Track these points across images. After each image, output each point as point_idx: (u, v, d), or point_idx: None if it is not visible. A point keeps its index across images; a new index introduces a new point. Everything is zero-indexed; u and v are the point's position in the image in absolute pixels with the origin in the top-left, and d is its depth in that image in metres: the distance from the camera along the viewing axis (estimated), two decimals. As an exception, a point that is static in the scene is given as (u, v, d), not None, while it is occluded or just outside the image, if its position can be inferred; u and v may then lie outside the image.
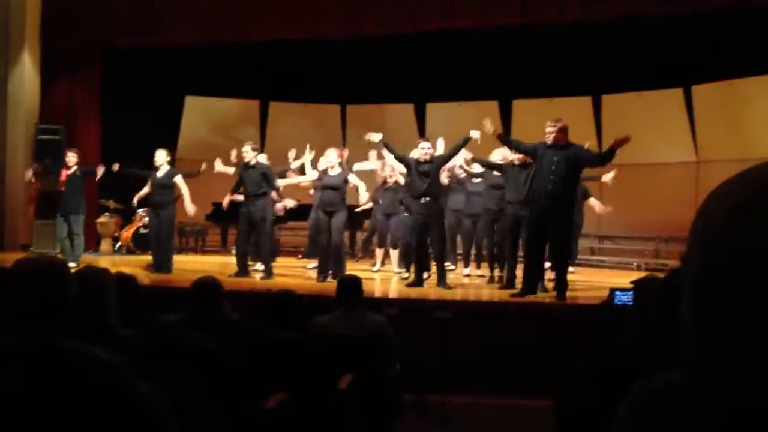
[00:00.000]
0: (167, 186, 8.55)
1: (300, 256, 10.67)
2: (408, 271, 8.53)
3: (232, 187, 8.45)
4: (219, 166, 8.60)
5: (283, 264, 9.63)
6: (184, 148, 12.87)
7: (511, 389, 5.69)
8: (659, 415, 0.77)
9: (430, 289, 7.42)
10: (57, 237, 9.19)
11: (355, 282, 4.42)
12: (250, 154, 8.12)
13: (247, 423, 2.77)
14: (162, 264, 8.50)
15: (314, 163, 9.09)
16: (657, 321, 2.18)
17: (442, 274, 7.49)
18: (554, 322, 6.12)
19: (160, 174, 8.56)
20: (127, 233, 11.01)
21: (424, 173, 7.41)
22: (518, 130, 11.91)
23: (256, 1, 10.44)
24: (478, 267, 9.08)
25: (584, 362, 2.19)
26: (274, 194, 8.24)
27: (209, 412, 2.28)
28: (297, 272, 9.13)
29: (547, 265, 7.48)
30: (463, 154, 8.12)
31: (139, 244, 10.78)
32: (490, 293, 7.65)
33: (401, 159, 7.72)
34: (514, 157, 7.58)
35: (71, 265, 8.22)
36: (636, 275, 3.92)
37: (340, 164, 8.14)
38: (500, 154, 8.28)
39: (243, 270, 8.16)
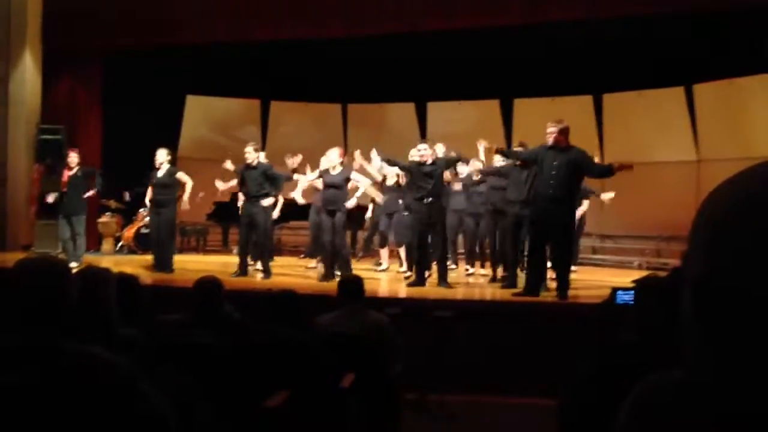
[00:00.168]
0: (167, 185, 8.55)
1: (302, 255, 10.68)
2: (409, 270, 8.53)
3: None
4: (229, 165, 8.55)
5: (283, 263, 9.63)
6: (185, 148, 12.89)
7: (512, 388, 5.70)
8: (661, 414, 0.77)
9: (431, 288, 7.42)
10: (59, 237, 9.19)
11: (357, 281, 4.42)
12: (252, 155, 8.12)
13: (248, 422, 2.77)
14: (164, 263, 8.51)
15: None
16: (658, 320, 2.19)
17: (443, 273, 7.50)
18: (556, 322, 6.12)
19: (160, 173, 8.57)
20: (129, 233, 11.02)
21: (428, 174, 7.43)
22: (519, 129, 11.93)
23: (259, 1, 10.44)
24: (482, 266, 9.09)
25: (586, 361, 2.19)
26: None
27: (211, 412, 2.28)
28: (298, 272, 9.13)
29: (549, 264, 7.48)
30: (475, 165, 8.32)
31: (140, 243, 10.79)
32: (492, 292, 7.65)
33: (404, 167, 7.76)
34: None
35: (73, 265, 8.26)
36: (637, 274, 3.92)
37: (342, 163, 8.13)
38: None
39: (244, 269, 8.18)
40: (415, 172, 7.53)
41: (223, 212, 10.51)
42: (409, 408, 5.12)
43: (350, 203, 7.96)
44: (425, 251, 7.68)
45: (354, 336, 3.83)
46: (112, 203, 11.20)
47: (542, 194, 6.64)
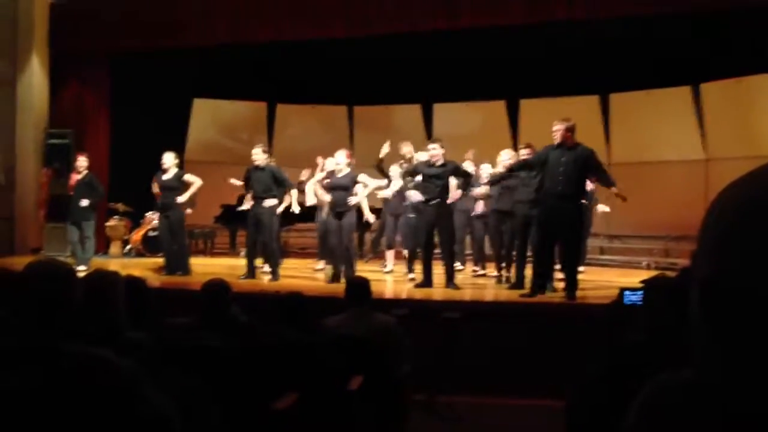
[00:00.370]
0: (174, 188, 8.55)
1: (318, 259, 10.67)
2: (410, 272, 8.52)
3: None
4: (234, 181, 8.57)
5: (291, 265, 9.64)
6: (192, 151, 12.92)
7: (520, 390, 5.68)
8: (669, 414, 0.77)
9: (438, 289, 7.41)
10: (68, 240, 9.21)
11: (364, 283, 4.42)
12: (260, 157, 8.14)
13: (256, 424, 2.77)
14: (178, 266, 8.52)
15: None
16: (667, 320, 2.18)
17: (450, 274, 7.49)
18: (564, 322, 6.10)
19: (167, 176, 8.58)
20: (137, 236, 11.06)
21: (436, 176, 7.42)
22: (526, 129, 11.91)
23: (263, 2, 10.46)
24: (498, 270, 9.05)
25: (594, 362, 2.18)
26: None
27: (219, 414, 2.28)
28: (306, 274, 9.14)
29: (557, 265, 7.46)
30: (488, 169, 8.37)
31: (148, 246, 10.83)
32: (499, 293, 7.63)
33: (411, 173, 7.72)
34: (525, 153, 7.58)
35: (81, 268, 8.31)
36: (645, 274, 3.90)
37: (349, 165, 8.13)
38: (508, 155, 8.30)
39: (252, 272, 8.19)
40: (423, 172, 7.52)
41: (231, 214, 10.54)
42: (417, 409, 5.11)
43: (354, 200, 7.93)
44: (432, 252, 7.67)
45: (361, 338, 3.83)
46: (120, 206, 11.24)
47: (551, 192, 6.64)
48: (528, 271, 7.33)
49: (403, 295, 7.36)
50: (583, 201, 7.31)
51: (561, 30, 10.15)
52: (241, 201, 9.46)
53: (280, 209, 8.31)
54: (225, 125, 13.60)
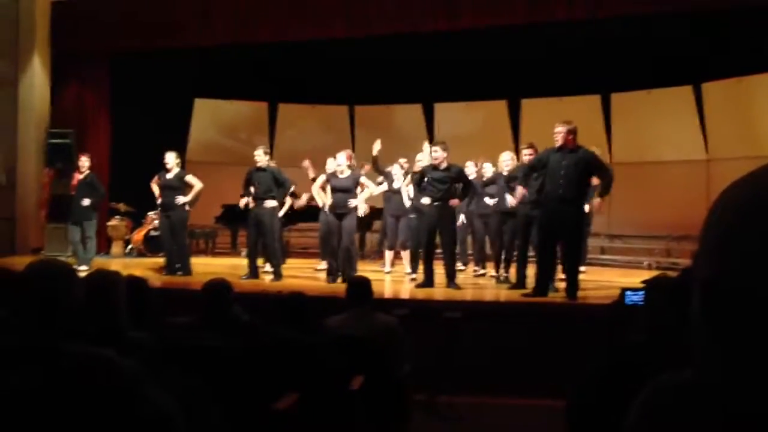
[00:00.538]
0: (176, 188, 8.55)
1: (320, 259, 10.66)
2: (413, 272, 8.53)
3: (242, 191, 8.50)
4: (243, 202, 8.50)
5: (293, 265, 9.65)
6: (193, 151, 12.93)
7: (521, 389, 5.68)
8: (670, 415, 0.77)
9: (439, 289, 7.42)
10: (69, 240, 9.21)
11: (365, 283, 4.42)
12: (261, 158, 8.15)
13: (257, 425, 2.78)
14: (179, 265, 8.52)
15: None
16: (668, 321, 2.17)
17: (451, 274, 7.49)
18: (565, 322, 6.10)
19: (169, 176, 8.59)
20: (138, 236, 11.06)
21: (440, 180, 7.43)
22: (527, 129, 11.92)
23: (264, 3, 10.46)
24: (497, 270, 9.06)
25: (595, 362, 2.18)
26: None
27: (219, 414, 2.28)
28: (307, 273, 9.14)
29: (559, 266, 7.45)
30: (490, 169, 8.53)
31: (149, 246, 10.83)
32: (500, 293, 7.63)
33: (418, 180, 7.70)
34: (527, 153, 7.59)
35: (83, 268, 8.31)
36: (647, 274, 3.90)
37: (350, 166, 8.14)
38: (508, 156, 8.32)
39: (253, 272, 8.20)
40: (428, 175, 7.53)
41: (232, 215, 10.54)
42: (419, 409, 5.11)
43: (354, 202, 7.93)
44: (433, 253, 7.67)
45: (362, 338, 3.83)
46: (122, 206, 11.25)
47: (552, 195, 6.64)
48: (529, 271, 7.32)
49: (405, 295, 7.37)
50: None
51: (562, 30, 10.15)
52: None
53: (281, 212, 8.32)
54: (226, 125, 13.60)
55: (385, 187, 9.03)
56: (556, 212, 6.57)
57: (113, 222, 11.20)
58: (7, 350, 1.23)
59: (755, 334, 0.66)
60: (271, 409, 2.80)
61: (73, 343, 1.38)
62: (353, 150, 10.51)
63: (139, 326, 2.90)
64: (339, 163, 8.03)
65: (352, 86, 12.62)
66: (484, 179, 8.82)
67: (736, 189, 0.72)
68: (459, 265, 8.59)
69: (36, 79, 11.01)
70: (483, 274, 9.00)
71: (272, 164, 8.57)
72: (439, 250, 7.73)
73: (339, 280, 7.84)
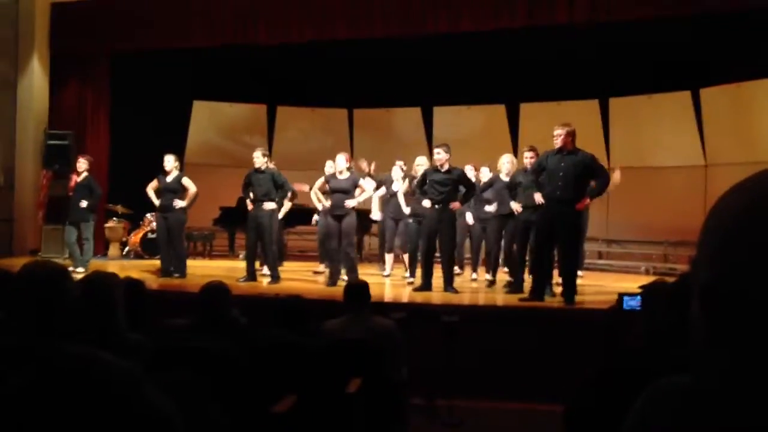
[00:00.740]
0: (175, 190, 8.56)
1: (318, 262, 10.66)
2: (412, 276, 8.52)
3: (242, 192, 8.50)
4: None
5: (291, 268, 9.64)
6: (192, 152, 12.92)
7: (518, 394, 5.68)
8: (668, 420, 0.77)
9: (437, 293, 7.41)
10: (66, 242, 9.21)
11: (363, 286, 4.42)
12: (260, 160, 8.14)
13: (255, 427, 2.77)
14: (174, 268, 8.51)
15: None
16: (666, 326, 2.18)
17: (449, 278, 7.49)
18: (562, 327, 6.10)
19: (168, 178, 8.58)
20: (135, 238, 11.05)
21: (441, 182, 7.42)
22: (526, 133, 11.92)
23: (264, 4, 10.47)
24: (487, 272, 9.06)
25: (592, 367, 2.18)
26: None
27: (217, 416, 2.28)
28: (305, 277, 9.13)
29: (556, 270, 7.46)
30: (488, 173, 8.52)
31: (147, 248, 10.82)
32: (498, 297, 7.63)
33: (421, 183, 7.68)
34: (528, 156, 7.59)
35: (79, 269, 8.30)
36: (644, 279, 3.91)
37: (349, 169, 8.14)
38: (508, 158, 8.33)
39: (251, 274, 8.19)
40: (429, 177, 7.52)
41: (230, 217, 10.53)
42: (417, 413, 5.11)
43: (351, 203, 7.91)
44: (432, 256, 7.67)
45: (360, 341, 3.83)
46: (119, 208, 11.23)
47: (550, 197, 6.65)
48: (527, 276, 7.33)
49: (403, 299, 7.37)
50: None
51: (561, 34, 10.17)
52: (240, 204, 9.45)
53: (280, 214, 8.32)
54: (225, 127, 13.60)
55: (383, 191, 9.04)
56: (554, 214, 6.58)
57: (110, 224, 11.19)
58: (5, 350, 1.22)
59: (754, 339, 0.66)
60: (269, 411, 2.80)
61: (70, 344, 1.37)
62: (352, 153, 10.52)
63: (136, 328, 2.90)
64: (338, 165, 8.03)
65: (351, 89, 12.63)
66: (482, 183, 8.82)
67: (734, 194, 0.72)
68: (456, 269, 8.58)
69: (35, 80, 11.01)
70: (476, 279, 8.98)
71: (272, 166, 8.57)
72: (437, 253, 7.73)
73: (339, 282, 7.83)
